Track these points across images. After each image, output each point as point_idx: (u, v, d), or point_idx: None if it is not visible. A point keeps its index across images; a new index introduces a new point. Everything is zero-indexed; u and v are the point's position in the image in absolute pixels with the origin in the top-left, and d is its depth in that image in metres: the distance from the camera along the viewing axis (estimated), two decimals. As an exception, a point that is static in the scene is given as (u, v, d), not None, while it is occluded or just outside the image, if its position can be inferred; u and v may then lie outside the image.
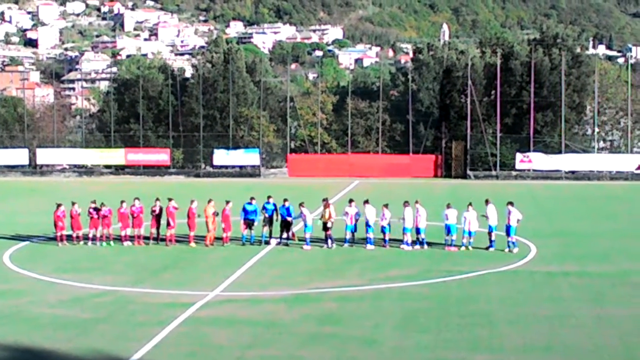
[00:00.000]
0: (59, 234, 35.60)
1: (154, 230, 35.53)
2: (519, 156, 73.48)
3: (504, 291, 26.33)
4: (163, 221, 35.27)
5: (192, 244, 34.91)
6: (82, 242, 35.55)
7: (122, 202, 35.70)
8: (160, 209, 35.35)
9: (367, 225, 34.24)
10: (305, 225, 34.74)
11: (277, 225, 35.56)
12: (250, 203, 35.64)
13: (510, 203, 34.14)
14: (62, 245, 35.34)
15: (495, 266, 30.26)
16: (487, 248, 33.56)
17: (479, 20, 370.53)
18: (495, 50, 78.18)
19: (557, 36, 79.56)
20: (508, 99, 75.73)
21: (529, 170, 73.70)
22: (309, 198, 51.33)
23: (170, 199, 35.41)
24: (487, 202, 34.55)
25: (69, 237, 35.84)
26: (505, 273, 29.29)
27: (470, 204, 34.24)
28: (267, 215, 35.22)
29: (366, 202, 35.00)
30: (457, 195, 52.35)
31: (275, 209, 35.37)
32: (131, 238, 35.56)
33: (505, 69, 76.25)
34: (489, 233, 33.67)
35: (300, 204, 35.25)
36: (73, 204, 35.79)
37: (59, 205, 35.72)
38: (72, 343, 20.50)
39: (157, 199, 35.55)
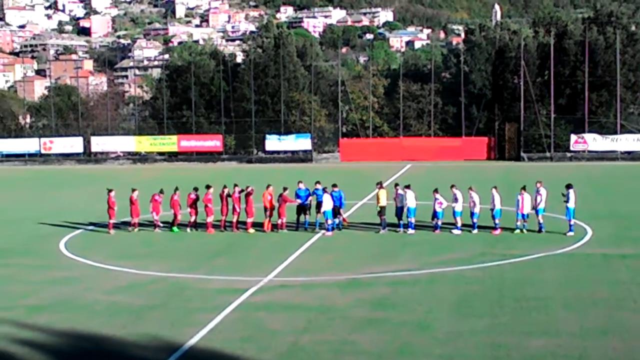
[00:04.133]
0: (135, 220, 35.86)
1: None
2: (573, 137, 72.69)
3: (560, 274, 26.01)
4: (217, 207, 35.47)
5: (251, 230, 34.94)
6: (159, 228, 35.76)
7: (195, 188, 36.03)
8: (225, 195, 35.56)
9: (409, 210, 34.05)
10: (325, 212, 34.40)
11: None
12: (300, 188, 35.59)
13: (538, 183, 33.84)
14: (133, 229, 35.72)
15: (550, 249, 29.90)
16: (538, 231, 33.22)
17: (531, 0, 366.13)
18: (548, 30, 77.25)
19: (611, 14, 78.38)
20: (562, 79, 74.88)
21: (584, 151, 72.86)
22: (360, 182, 51.48)
23: (235, 185, 35.53)
24: (538, 183, 34.09)
25: (127, 223, 36.15)
26: (561, 256, 28.94)
27: (523, 187, 33.86)
28: (318, 200, 35.11)
29: (407, 187, 34.73)
30: (510, 178, 51.86)
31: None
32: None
33: (559, 49, 75.34)
34: (537, 215, 33.31)
35: (324, 189, 34.88)
36: (133, 190, 36.09)
37: (134, 190, 36.03)
38: (127, 329, 20.66)
39: (225, 186, 35.74)
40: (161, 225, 35.88)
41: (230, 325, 20.89)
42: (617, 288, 24.08)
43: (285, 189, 35.27)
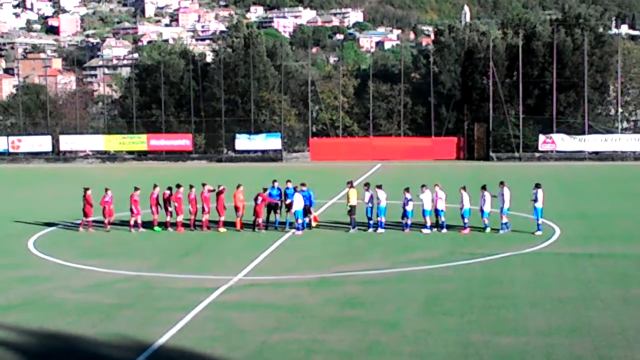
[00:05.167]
0: (107, 220, 35.61)
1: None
2: (541, 137, 73.18)
3: (528, 273, 26.22)
4: (185, 207, 35.40)
5: (222, 229, 34.90)
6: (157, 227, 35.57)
7: (191, 187, 35.82)
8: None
9: (379, 209, 34.18)
10: (295, 211, 34.51)
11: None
12: (273, 187, 35.67)
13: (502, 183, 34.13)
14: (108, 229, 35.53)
15: (518, 248, 30.13)
16: (497, 230, 33.42)
17: (500, 1, 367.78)
18: (517, 31, 77.69)
19: (579, 16, 78.95)
20: (530, 80, 75.33)
21: (552, 151, 73.36)
22: (330, 182, 51.55)
23: (204, 184, 35.48)
24: (501, 184, 34.27)
25: (99, 223, 35.97)
26: (529, 255, 29.17)
27: (483, 186, 34.09)
28: (289, 199, 35.16)
29: (379, 186, 34.85)
30: (479, 178, 52.16)
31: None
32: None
33: (527, 50, 75.82)
34: (502, 215, 33.52)
35: (295, 188, 35.01)
36: (106, 190, 35.88)
37: (106, 190, 35.79)
38: (97, 328, 20.59)
39: (191, 186, 35.71)
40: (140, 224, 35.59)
41: (200, 324, 20.87)
42: (585, 287, 24.31)
43: (265, 189, 35.33)
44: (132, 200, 35.35)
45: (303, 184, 35.44)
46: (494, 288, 24.27)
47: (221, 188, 35.29)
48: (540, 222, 33.27)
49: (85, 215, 35.80)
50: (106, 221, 35.66)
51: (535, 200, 33.34)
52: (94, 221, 36.04)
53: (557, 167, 66.48)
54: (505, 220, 33.58)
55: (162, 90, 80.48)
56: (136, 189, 35.68)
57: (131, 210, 35.38)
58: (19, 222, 38.73)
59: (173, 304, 22.88)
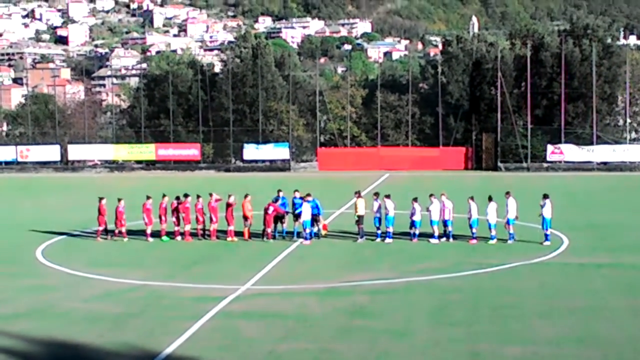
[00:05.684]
0: (122, 229, 35.55)
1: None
2: (550, 148, 73.17)
3: (536, 283, 26.16)
4: (192, 216, 35.45)
5: (233, 239, 34.87)
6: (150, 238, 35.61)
7: (198, 196, 35.88)
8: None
9: (387, 219, 34.17)
10: (304, 221, 34.50)
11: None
12: (278, 197, 35.70)
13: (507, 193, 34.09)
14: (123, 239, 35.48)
15: (526, 258, 30.08)
16: (506, 240, 33.40)
17: (508, 12, 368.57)
18: (525, 42, 77.76)
19: (587, 27, 79.00)
20: (538, 91, 75.39)
21: (560, 162, 73.34)
22: (338, 191, 51.56)
23: (211, 194, 35.51)
24: (507, 194, 34.23)
25: (110, 232, 35.98)
26: (537, 265, 29.11)
27: (489, 197, 34.08)
28: (296, 209, 35.17)
29: (387, 196, 34.84)
30: (487, 188, 52.10)
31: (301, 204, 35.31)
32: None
33: (536, 61, 75.87)
34: (507, 225, 33.45)
35: (302, 198, 35.05)
36: (119, 200, 35.88)
37: (119, 200, 35.78)
38: (105, 338, 20.59)
39: (199, 196, 35.77)
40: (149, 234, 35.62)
41: (207, 333, 20.86)
42: (593, 297, 24.25)
43: (276, 199, 35.34)
44: (145, 209, 35.39)
45: (308, 194, 35.40)
46: (502, 298, 24.22)
47: (230, 200, 35.15)
48: (548, 232, 33.22)
49: (100, 224, 35.86)
50: (121, 230, 35.62)
51: (543, 210, 33.28)
52: (107, 231, 36.02)
53: (565, 178, 66.40)
54: (511, 230, 33.54)
55: (171, 100, 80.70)
56: (148, 197, 35.73)
57: (144, 219, 35.40)
58: (27, 232, 38.79)
59: (181, 313, 22.87)
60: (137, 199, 36.53)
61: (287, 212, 35.65)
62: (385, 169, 73.25)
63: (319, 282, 26.80)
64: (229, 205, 34.97)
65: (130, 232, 36.03)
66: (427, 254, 31.71)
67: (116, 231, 35.70)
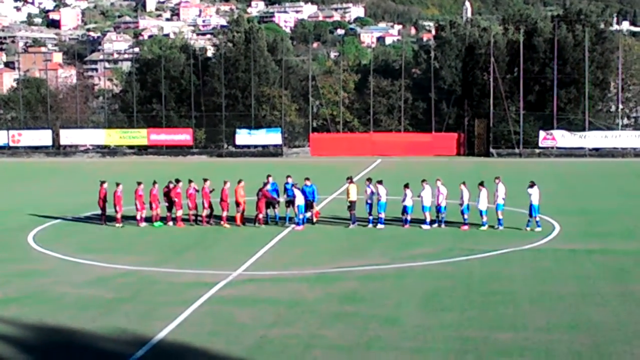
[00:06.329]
0: (139, 215, 35.42)
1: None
2: (542, 134, 73.19)
3: (527, 269, 26.24)
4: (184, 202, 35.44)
5: (225, 225, 34.86)
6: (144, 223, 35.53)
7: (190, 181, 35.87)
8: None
9: (379, 204, 34.19)
10: (298, 206, 34.52)
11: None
12: (268, 182, 35.63)
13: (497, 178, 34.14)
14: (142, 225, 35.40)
15: (518, 244, 30.14)
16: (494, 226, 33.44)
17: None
18: (518, 27, 77.70)
19: (580, 12, 78.90)
20: (531, 76, 75.33)
21: (552, 147, 73.37)
22: (331, 177, 51.55)
23: (205, 180, 35.47)
24: (496, 179, 34.19)
25: (109, 217, 35.90)
26: (529, 251, 29.17)
27: (481, 182, 34.13)
28: (288, 195, 35.17)
29: (379, 182, 34.84)
30: (479, 174, 52.16)
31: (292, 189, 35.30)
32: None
33: (528, 46, 75.79)
34: (497, 211, 33.51)
35: (294, 185, 35.04)
36: (117, 184, 35.77)
37: (117, 185, 35.63)
38: (96, 323, 20.61)
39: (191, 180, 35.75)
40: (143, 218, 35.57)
41: (199, 319, 20.89)
42: (584, 283, 24.32)
43: (265, 184, 35.31)
44: (137, 195, 35.34)
45: (307, 179, 35.45)
46: (493, 284, 24.29)
47: (226, 187, 35.06)
48: (537, 218, 33.23)
49: (101, 209, 35.83)
50: (118, 216, 35.57)
51: (531, 197, 33.28)
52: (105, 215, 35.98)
53: (557, 164, 66.50)
54: (500, 216, 33.54)
55: (163, 84, 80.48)
56: (139, 183, 35.65)
57: (136, 205, 35.35)
58: (18, 216, 38.75)
59: (173, 298, 22.90)
60: (129, 185, 36.43)
61: (276, 199, 35.48)
62: (378, 154, 73.24)
63: (310, 267, 26.84)
64: (223, 192, 34.95)
65: (122, 218, 35.98)
66: (419, 240, 31.74)
67: (118, 216, 35.51)
